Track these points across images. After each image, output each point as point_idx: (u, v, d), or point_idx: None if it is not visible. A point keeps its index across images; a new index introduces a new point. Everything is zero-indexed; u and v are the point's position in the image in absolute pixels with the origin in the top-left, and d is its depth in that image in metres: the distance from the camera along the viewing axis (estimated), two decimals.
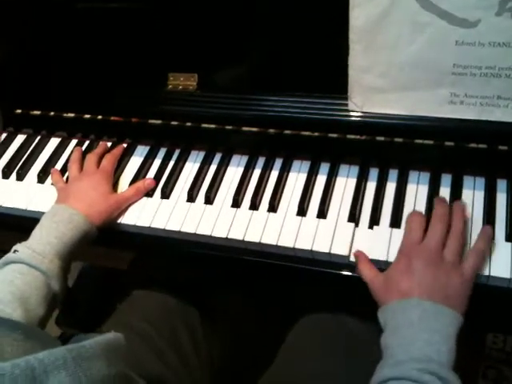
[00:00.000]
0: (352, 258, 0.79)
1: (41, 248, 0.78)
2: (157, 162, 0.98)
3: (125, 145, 1.01)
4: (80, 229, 0.83)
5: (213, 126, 0.94)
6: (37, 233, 0.81)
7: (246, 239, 0.84)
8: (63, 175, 0.99)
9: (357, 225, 0.83)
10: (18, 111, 1.05)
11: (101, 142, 1.03)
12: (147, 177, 0.96)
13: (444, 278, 0.69)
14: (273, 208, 0.87)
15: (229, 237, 0.85)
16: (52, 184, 0.98)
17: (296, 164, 0.93)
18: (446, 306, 0.66)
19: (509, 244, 0.77)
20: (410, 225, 0.76)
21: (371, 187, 0.87)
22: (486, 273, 0.74)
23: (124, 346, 0.47)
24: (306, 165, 0.92)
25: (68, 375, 0.39)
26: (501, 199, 0.82)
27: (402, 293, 0.68)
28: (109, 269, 1.23)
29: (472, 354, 1.28)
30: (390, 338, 0.66)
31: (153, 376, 0.78)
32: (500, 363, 1.31)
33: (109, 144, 1.03)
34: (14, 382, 0.36)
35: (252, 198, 0.89)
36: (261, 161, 0.94)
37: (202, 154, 0.97)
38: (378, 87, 0.79)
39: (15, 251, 0.78)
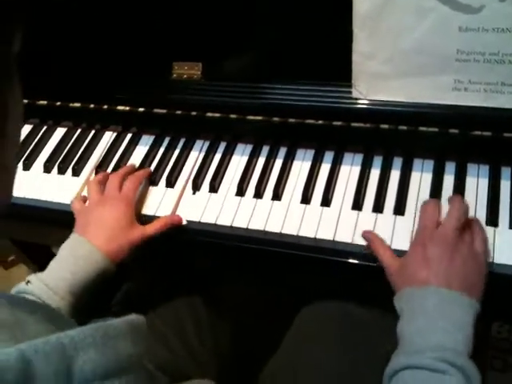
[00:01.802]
0: (358, 242, 0.79)
1: (54, 283, 0.75)
2: (162, 151, 0.99)
3: (149, 169, 0.97)
4: (97, 267, 0.78)
5: (217, 114, 0.94)
6: (53, 265, 0.78)
7: (251, 227, 0.85)
8: (69, 165, 0.99)
9: (360, 212, 0.83)
10: (25, 101, 1.05)
11: (109, 132, 1.03)
12: (152, 165, 0.97)
13: (460, 265, 0.68)
14: (277, 196, 0.87)
15: (233, 225, 0.85)
16: (59, 174, 0.99)
17: (300, 152, 0.93)
18: (463, 293, 0.66)
19: None
20: (425, 212, 0.75)
21: (375, 175, 0.87)
22: (491, 260, 0.74)
23: (146, 328, 0.48)
24: (311, 153, 0.92)
25: (96, 353, 0.39)
26: (505, 187, 0.82)
27: (418, 280, 0.68)
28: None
29: (477, 344, 1.28)
30: (406, 326, 0.66)
31: (159, 364, 0.79)
32: (505, 353, 1.31)
33: (114, 135, 1.03)
34: (46, 359, 0.36)
35: (256, 186, 0.89)
36: (265, 149, 0.95)
37: (206, 143, 0.98)
38: (382, 74, 0.79)
39: (28, 282, 0.75)
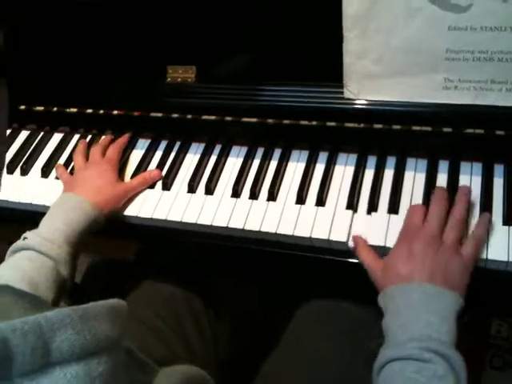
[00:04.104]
0: (351, 244, 0.80)
1: (50, 234, 0.79)
2: (158, 155, 1.00)
3: (128, 134, 1.03)
4: (88, 215, 0.84)
5: (212, 117, 0.95)
6: (46, 220, 0.82)
7: (246, 228, 0.85)
8: (67, 169, 1.00)
9: (355, 212, 0.84)
10: (22, 107, 1.07)
11: (104, 136, 1.04)
12: (149, 169, 0.97)
13: (444, 261, 0.69)
14: (272, 197, 0.88)
15: (229, 226, 0.86)
16: (56, 178, 0.99)
17: (295, 153, 0.94)
18: (446, 288, 0.67)
19: (506, 228, 0.77)
20: (410, 211, 0.77)
21: (369, 175, 0.88)
22: (484, 256, 0.75)
23: (127, 312, 0.49)
24: (305, 154, 0.93)
25: (74, 333, 0.40)
26: (498, 184, 0.82)
27: (402, 277, 0.69)
28: (116, 262, 1.25)
29: (477, 343, 1.28)
30: (390, 321, 0.67)
31: (156, 360, 0.80)
32: (505, 351, 1.32)
33: (112, 136, 1.04)
34: (23, 338, 0.37)
35: (251, 187, 0.90)
36: (260, 151, 0.95)
37: (202, 146, 0.98)
38: (372, 74, 0.80)
39: (24, 238, 0.79)
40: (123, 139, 1.01)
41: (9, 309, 0.42)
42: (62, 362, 0.39)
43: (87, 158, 0.98)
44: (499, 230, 0.77)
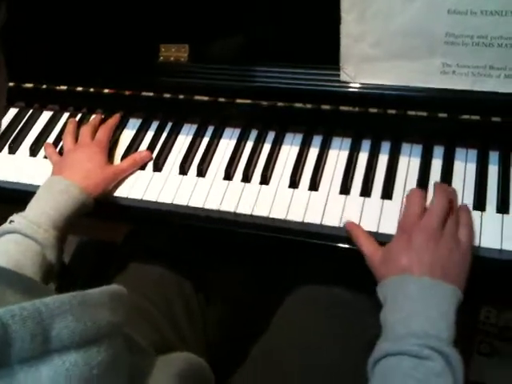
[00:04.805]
0: (344, 229, 0.79)
1: (36, 218, 0.78)
2: (149, 135, 0.98)
3: (118, 115, 1.01)
4: (76, 199, 0.83)
5: (205, 98, 0.93)
6: (33, 204, 0.81)
7: (238, 211, 0.84)
8: (56, 148, 0.98)
9: (348, 196, 0.83)
10: (10, 84, 1.04)
11: (95, 115, 1.02)
12: (140, 149, 0.96)
13: (444, 254, 0.68)
14: (265, 180, 0.87)
15: (221, 209, 0.85)
16: (45, 157, 0.98)
17: (288, 137, 0.92)
18: (445, 281, 0.66)
19: (499, 215, 0.77)
20: (409, 200, 0.75)
21: (363, 159, 0.87)
22: (477, 244, 0.74)
23: (127, 297, 0.48)
24: (299, 137, 0.92)
25: (74, 320, 0.39)
26: (493, 171, 0.82)
27: (401, 269, 0.68)
28: (105, 243, 1.24)
29: (465, 329, 1.29)
30: (389, 314, 0.66)
31: (149, 345, 0.79)
32: (493, 338, 1.32)
33: (103, 116, 1.02)
34: (23, 323, 0.36)
35: (244, 170, 0.88)
36: (253, 133, 0.94)
37: (194, 127, 0.97)
38: (370, 57, 0.79)
39: (11, 221, 0.78)
40: (113, 120, 0.99)
41: (4, 293, 0.41)
42: (60, 350, 0.38)
43: (77, 138, 0.97)
44: (493, 218, 0.77)
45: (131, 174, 0.92)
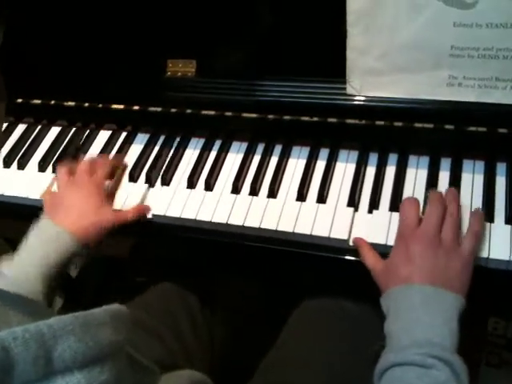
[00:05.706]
0: (352, 242, 0.79)
1: (24, 272, 0.74)
2: (157, 149, 0.98)
3: (122, 156, 0.99)
4: (65, 249, 0.78)
5: (212, 112, 0.94)
6: (22, 253, 0.77)
7: (246, 225, 0.84)
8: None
9: (356, 209, 0.83)
10: (19, 100, 1.06)
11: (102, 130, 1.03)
12: (147, 163, 0.96)
13: (443, 261, 0.68)
14: (272, 193, 0.87)
15: (229, 222, 0.85)
16: (54, 172, 0.98)
17: (295, 150, 0.93)
18: (447, 289, 0.66)
19: (508, 226, 0.77)
20: (404, 210, 0.75)
21: (371, 172, 0.87)
22: (486, 255, 0.74)
23: (129, 317, 0.48)
24: (306, 150, 0.92)
25: (76, 340, 0.39)
26: (500, 182, 0.82)
27: (402, 279, 0.68)
28: (112, 258, 1.24)
29: (474, 340, 1.28)
30: (392, 324, 0.66)
31: (154, 359, 0.79)
32: (501, 349, 1.32)
33: (109, 133, 1.03)
34: (25, 346, 0.37)
35: (252, 183, 0.89)
36: (260, 147, 0.94)
37: (201, 141, 0.98)
38: (376, 70, 0.79)
39: None
40: (115, 161, 0.95)
41: (7, 315, 0.41)
42: (63, 371, 0.38)
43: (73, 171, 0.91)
44: (501, 229, 0.77)
45: (139, 189, 0.92)
